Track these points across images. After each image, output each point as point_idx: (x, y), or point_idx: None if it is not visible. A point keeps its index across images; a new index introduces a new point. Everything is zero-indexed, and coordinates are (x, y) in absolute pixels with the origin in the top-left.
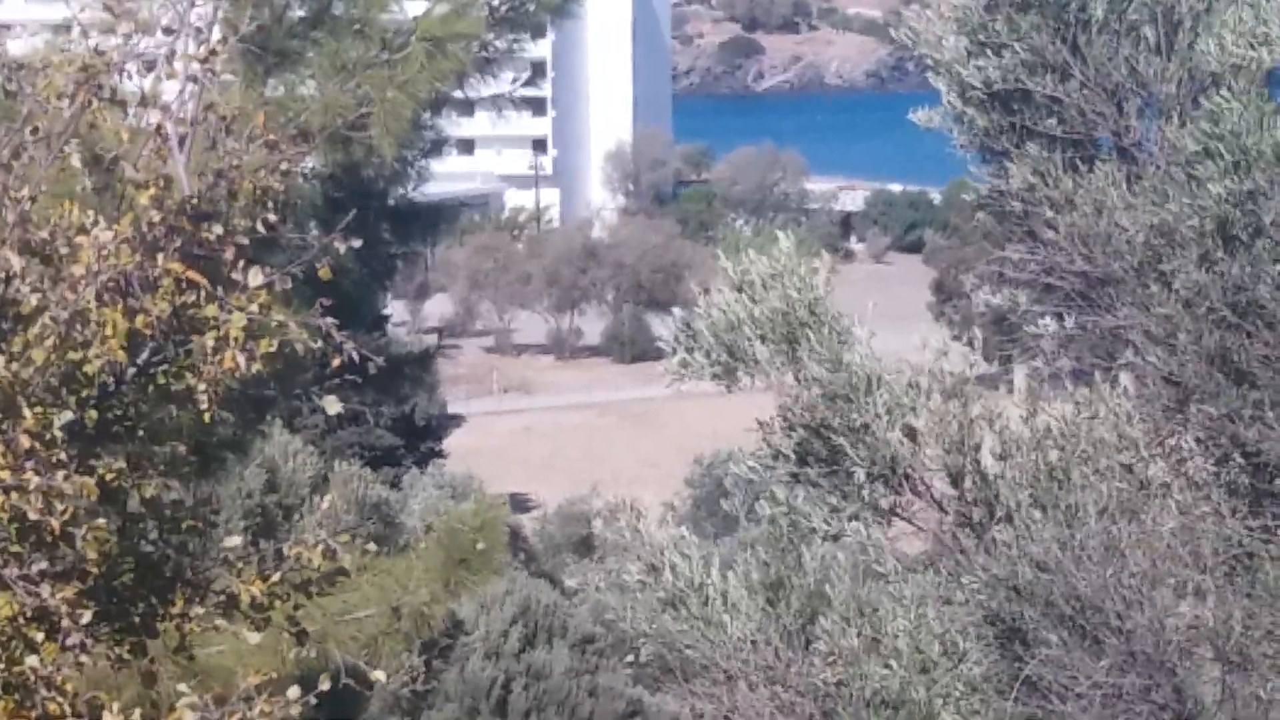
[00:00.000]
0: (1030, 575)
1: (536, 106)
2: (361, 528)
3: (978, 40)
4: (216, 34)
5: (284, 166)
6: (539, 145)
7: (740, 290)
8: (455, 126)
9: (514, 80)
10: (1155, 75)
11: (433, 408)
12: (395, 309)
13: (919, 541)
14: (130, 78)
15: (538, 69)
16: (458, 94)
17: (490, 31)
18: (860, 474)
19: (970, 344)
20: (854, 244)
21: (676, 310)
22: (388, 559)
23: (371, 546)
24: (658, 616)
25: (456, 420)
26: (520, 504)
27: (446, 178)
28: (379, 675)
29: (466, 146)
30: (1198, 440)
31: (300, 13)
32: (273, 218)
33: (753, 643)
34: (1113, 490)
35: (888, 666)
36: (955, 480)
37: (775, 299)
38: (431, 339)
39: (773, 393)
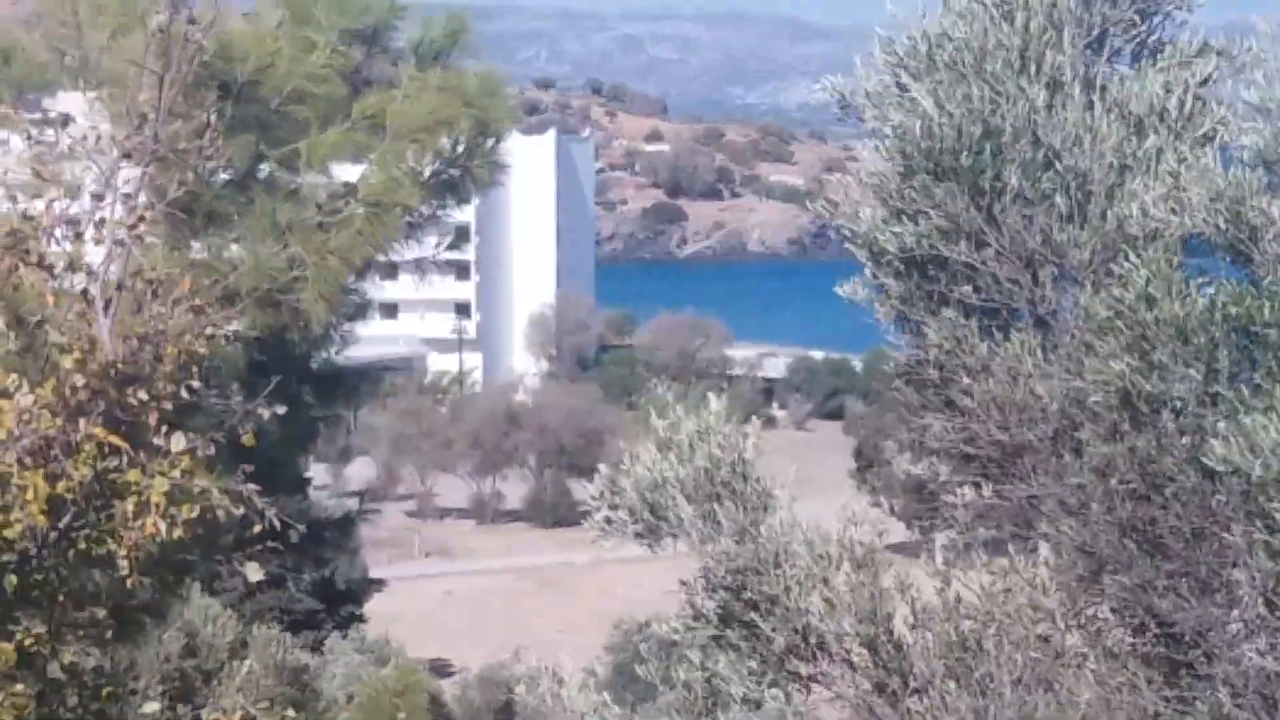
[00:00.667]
0: None
1: (460, 270)
2: (281, 694)
3: (894, 208)
4: (143, 199)
5: (209, 331)
6: (462, 309)
7: (668, 449)
8: (379, 290)
9: (437, 245)
10: (1069, 242)
11: (354, 571)
12: (317, 472)
13: (837, 711)
14: (56, 242)
15: (461, 233)
16: (381, 258)
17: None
18: (779, 642)
19: (891, 510)
20: (776, 410)
21: (602, 467)
22: None
23: (291, 713)
24: None
25: (378, 584)
26: (441, 669)
27: (369, 341)
28: None
29: (390, 310)
30: (1113, 610)
31: (227, 175)
32: (197, 384)
33: None
34: (1028, 660)
35: None
36: (870, 649)
37: (701, 458)
38: (353, 503)
39: (695, 554)
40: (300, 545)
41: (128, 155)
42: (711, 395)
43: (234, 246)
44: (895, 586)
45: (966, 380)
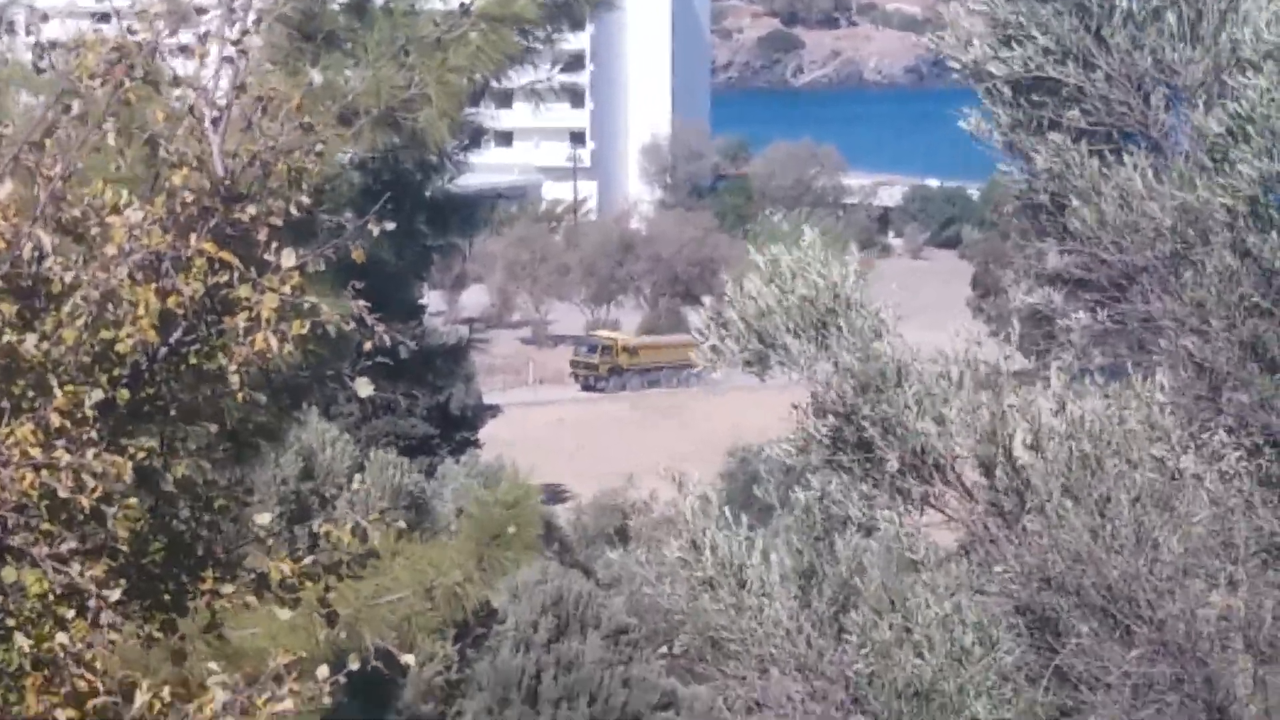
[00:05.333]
0: (1062, 565)
1: (575, 99)
2: (393, 510)
3: (1003, 33)
4: (252, 15)
5: (318, 148)
6: (577, 138)
7: (770, 281)
8: (493, 119)
9: (551, 68)
10: (1181, 61)
11: (469, 398)
12: (432, 299)
13: (950, 532)
14: (163, 58)
15: (576, 61)
16: (495, 85)
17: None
18: (892, 463)
19: (1007, 338)
20: (891, 239)
21: (707, 299)
22: (421, 543)
23: (401, 524)
24: (696, 597)
25: (492, 410)
26: (555, 495)
27: (484, 169)
28: (408, 659)
29: (505, 138)
30: (1229, 430)
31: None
32: (306, 199)
33: (785, 630)
34: (1145, 480)
35: (920, 656)
36: (987, 469)
37: (803, 286)
38: (467, 330)
39: (804, 382)
40: (415, 371)
41: None
42: (806, 227)
43: (347, 71)
44: (1015, 408)
45: (1078, 204)
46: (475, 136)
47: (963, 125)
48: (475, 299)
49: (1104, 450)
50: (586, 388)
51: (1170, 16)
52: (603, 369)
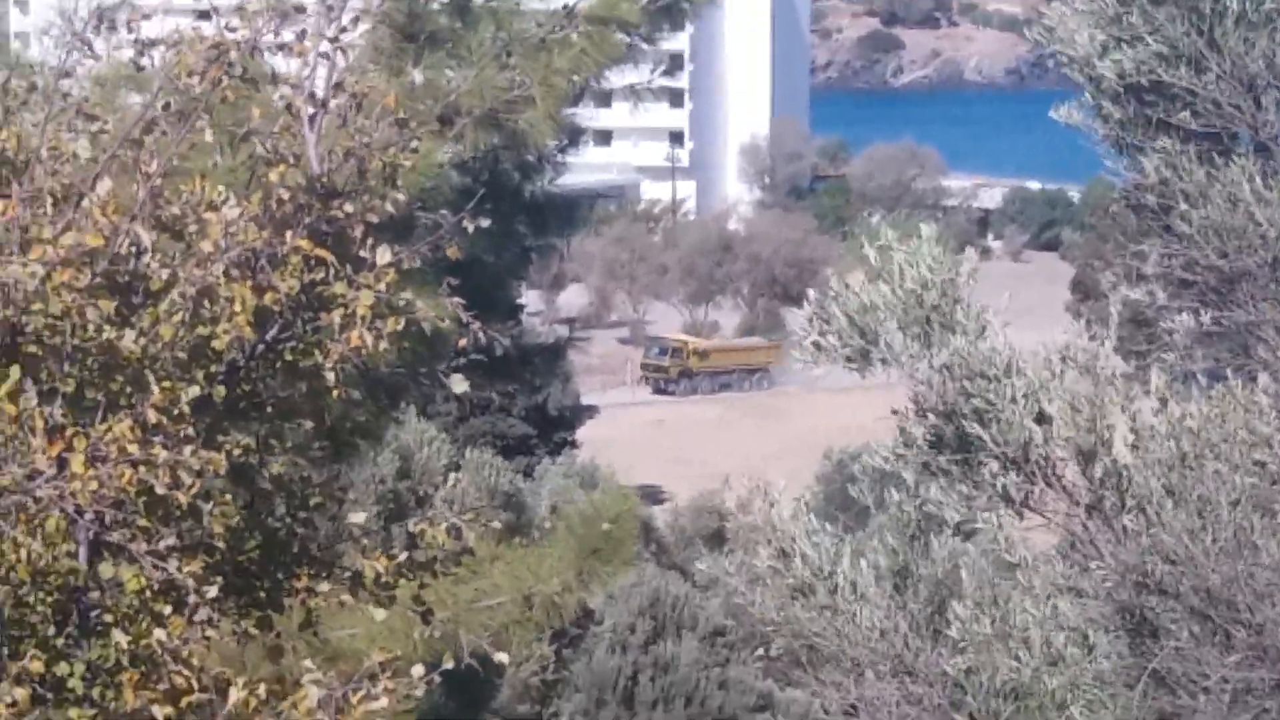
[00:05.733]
0: (1161, 566)
1: (674, 98)
2: (487, 508)
3: (1112, 35)
4: (349, 14)
5: (413, 144)
6: (676, 137)
7: (879, 276)
8: (592, 118)
9: (652, 71)
10: None
11: (566, 398)
12: (530, 299)
13: (1049, 535)
14: (263, 56)
15: (675, 61)
16: (595, 85)
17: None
18: (993, 464)
19: (1103, 342)
20: (991, 241)
21: (811, 292)
22: (520, 548)
23: (496, 525)
24: (787, 605)
25: (590, 411)
26: (652, 496)
27: (583, 169)
28: (502, 657)
29: (603, 138)
30: None
31: (443, 1)
32: (402, 196)
33: (880, 632)
34: (1245, 483)
35: (1017, 658)
36: (1087, 462)
37: (912, 280)
38: (565, 330)
39: (905, 380)
40: (513, 371)
41: None
42: (922, 224)
43: (449, 71)
44: (1117, 401)
45: (1184, 206)
46: (574, 136)
47: (1054, 115)
48: (574, 299)
49: (1204, 451)
50: (657, 390)
51: None
52: (673, 371)
